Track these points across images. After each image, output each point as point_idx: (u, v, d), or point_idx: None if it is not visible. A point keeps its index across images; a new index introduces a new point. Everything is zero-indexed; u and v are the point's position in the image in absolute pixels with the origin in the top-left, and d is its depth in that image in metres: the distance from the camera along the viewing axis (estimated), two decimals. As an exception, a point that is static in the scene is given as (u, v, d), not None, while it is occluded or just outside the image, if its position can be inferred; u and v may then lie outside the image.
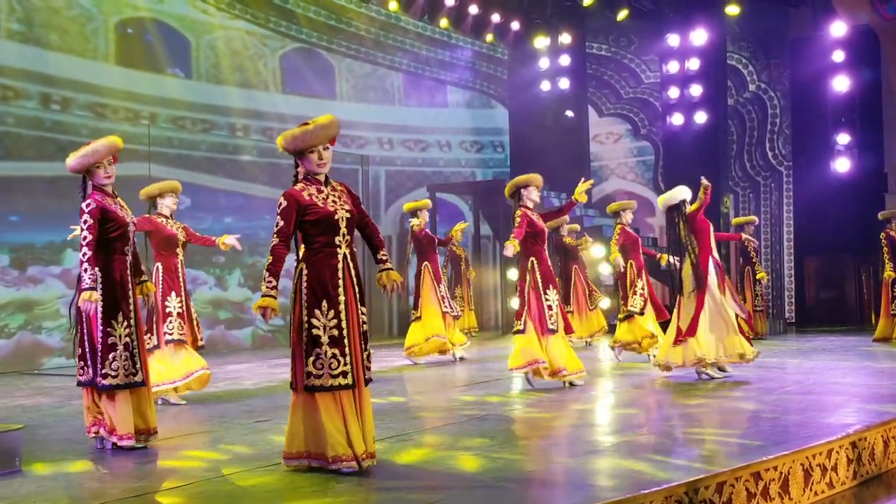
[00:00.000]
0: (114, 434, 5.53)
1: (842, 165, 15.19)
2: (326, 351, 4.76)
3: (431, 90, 17.15)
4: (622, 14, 16.04)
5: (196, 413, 7.27)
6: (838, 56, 15.13)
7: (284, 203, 4.86)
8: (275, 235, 4.87)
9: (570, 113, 17.41)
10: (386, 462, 5.01)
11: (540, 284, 7.96)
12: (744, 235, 12.02)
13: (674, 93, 15.96)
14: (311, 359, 4.77)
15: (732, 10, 15.26)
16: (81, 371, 5.63)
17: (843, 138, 15.25)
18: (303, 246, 5.02)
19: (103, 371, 5.50)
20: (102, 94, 12.24)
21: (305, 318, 4.80)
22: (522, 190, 8.07)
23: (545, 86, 17.44)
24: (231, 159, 13.67)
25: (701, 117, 15.55)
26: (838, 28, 15.03)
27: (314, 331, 4.78)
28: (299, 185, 4.96)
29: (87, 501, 4.33)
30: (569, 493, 4.40)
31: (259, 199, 13.28)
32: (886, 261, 12.03)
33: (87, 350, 5.59)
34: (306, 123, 4.95)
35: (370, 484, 4.58)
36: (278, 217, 4.85)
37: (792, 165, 16.43)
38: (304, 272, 4.86)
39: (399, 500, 4.29)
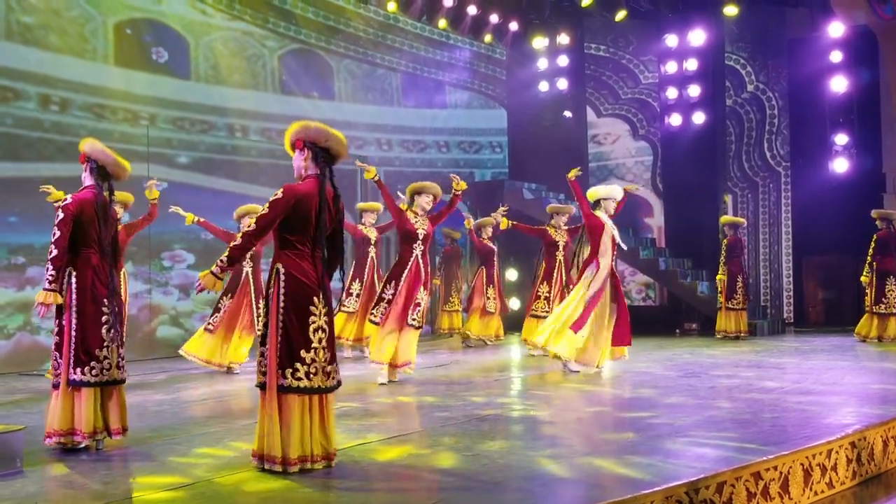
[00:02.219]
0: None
1: (840, 166, 15.21)
2: None
3: (430, 91, 17.15)
4: (620, 15, 16.06)
5: (196, 412, 7.28)
6: (836, 56, 15.15)
7: None
8: None
9: (568, 113, 17.43)
10: (385, 462, 5.02)
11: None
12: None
13: (672, 93, 15.98)
14: None
15: (730, 10, 15.28)
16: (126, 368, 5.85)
17: (841, 139, 15.26)
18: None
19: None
20: (101, 95, 12.22)
21: None
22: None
23: (543, 86, 17.46)
24: (230, 160, 13.66)
25: (699, 118, 15.57)
26: (836, 28, 15.04)
27: None
28: None
29: (88, 502, 4.34)
30: (570, 492, 4.40)
31: (258, 199, 13.21)
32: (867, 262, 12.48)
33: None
34: None
35: (371, 485, 4.59)
36: None
37: (790, 166, 16.45)
38: None
39: (399, 500, 4.29)
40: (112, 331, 5.72)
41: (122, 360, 5.79)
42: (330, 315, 5.05)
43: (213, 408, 7.61)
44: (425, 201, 8.75)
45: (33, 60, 11.55)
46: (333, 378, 5.01)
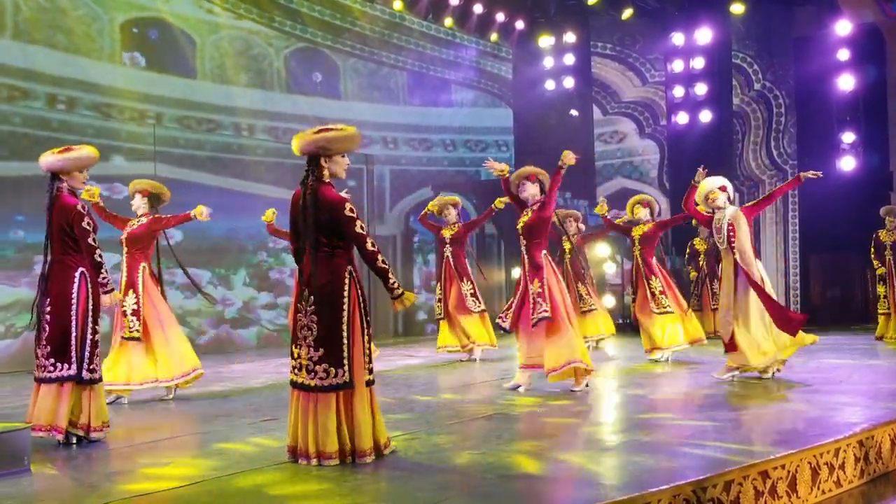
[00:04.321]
0: (91, 429, 5.83)
1: (847, 164, 15.16)
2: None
3: (436, 89, 17.14)
4: (627, 13, 16.03)
5: (202, 412, 7.29)
6: (843, 55, 15.09)
7: (354, 207, 5.07)
8: (371, 238, 5.08)
9: (574, 112, 17.40)
10: (393, 461, 5.02)
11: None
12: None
13: (679, 92, 15.95)
14: (371, 355, 5.12)
15: (737, 8, 15.24)
16: (62, 366, 5.77)
17: (848, 137, 15.21)
18: (341, 251, 5.08)
19: (91, 366, 5.84)
20: (108, 94, 12.25)
21: (360, 318, 5.06)
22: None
23: (550, 85, 17.43)
24: (236, 159, 13.68)
25: (706, 116, 15.53)
26: (843, 27, 14.99)
27: (369, 330, 5.11)
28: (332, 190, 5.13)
29: (95, 500, 4.34)
30: (577, 491, 4.40)
31: (264, 198, 13.27)
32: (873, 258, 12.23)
33: (72, 345, 5.79)
34: (334, 128, 5.15)
35: (378, 484, 4.59)
36: (360, 221, 5.04)
37: (797, 164, 16.39)
38: (354, 275, 5.08)
39: (407, 498, 4.29)
40: (37, 330, 5.90)
41: (39, 358, 5.86)
42: (319, 314, 4.99)
43: (221, 406, 7.61)
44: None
45: (40, 59, 11.58)
46: (322, 379, 4.95)
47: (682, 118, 15.86)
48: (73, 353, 5.78)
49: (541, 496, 4.29)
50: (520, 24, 16.99)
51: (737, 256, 8.03)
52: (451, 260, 10.73)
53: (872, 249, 12.32)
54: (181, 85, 13.18)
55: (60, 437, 5.72)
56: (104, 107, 12.20)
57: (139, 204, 8.15)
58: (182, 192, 12.75)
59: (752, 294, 7.94)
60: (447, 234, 10.83)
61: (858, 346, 11.41)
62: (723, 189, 8.40)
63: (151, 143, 12.44)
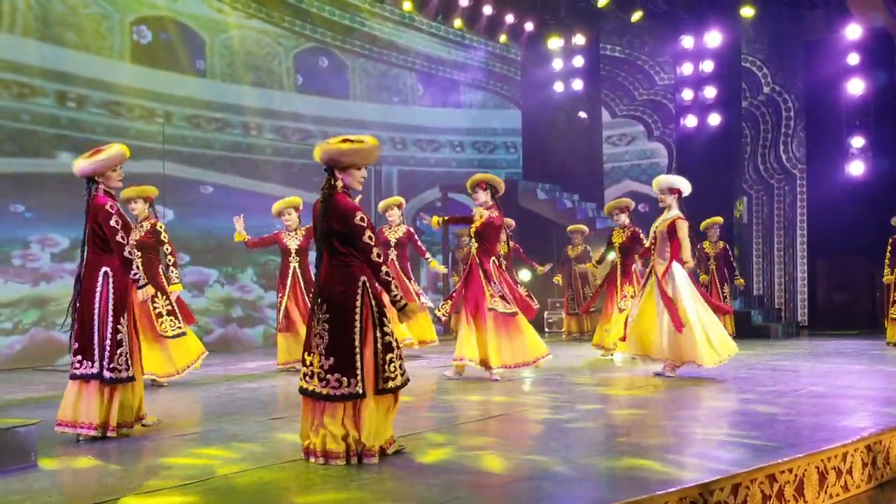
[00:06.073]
0: (109, 428, 5.83)
1: (856, 168, 15.12)
2: (397, 356, 5.05)
3: (445, 90, 17.16)
4: (636, 15, 16.03)
5: (209, 410, 7.30)
6: (853, 59, 15.06)
7: (366, 217, 5.04)
8: (377, 249, 5.02)
9: (583, 114, 17.40)
10: (399, 461, 5.02)
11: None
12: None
13: (688, 95, 15.92)
14: (389, 363, 5.00)
15: (747, 12, 15.22)
16: (86, 363, 5.78)
17: (857, 141, 15.17)
18: (357, 261, 5.03)
19: (112, 365, 5.78)
20: (118, 92, 12.29)
21: (373, 328, 4.99)
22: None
23: (558, 87, 17.44)
24: (245, 158, 13.70)
25: (715, 119, 15.51)
26: (853, 31, 14.96)
27: (387, 338, 5.02)
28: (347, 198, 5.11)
29: (101, 497, 4.34)
30: (583, 492, 4.39)
31: (272, 197, 13.30)
32: (886, 265, 12.10)
33: (94, 343, 5.78)
34: (352, 140, 5.11)
35: (384, 483, 4.58)
36: (370, 231, 4.99)
37: (806, 168, 16.36)
38: (368, 284, 5.03)
39: (412, 499, 4.29)
40: (71, 329, 5.94)
41: (73, 355, 5.87)
42: (331, 323, 4.97)
43: (227, 404, 7.62)
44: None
45: (50, 57, 11.62)
46: (334, 388, 4.92)
47: (690, 121, 15.84)
48: (95, 352, 5.78)
49: (547, 497, 4.28)
50: (529, 26, 16.99)
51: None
52: (395, 262, 10.85)
53: (889, 253, 12.14)
54: (190, 84, 13.21)
55: (92, 433, 5.73)
56: (113, 105, 12.24)
57: (142, 209, 8.60)
58: (189, 191, 12.83)
59: None
60: (391, 236, 10.94)
61: (866, 351, 11.39)
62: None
63: (160, 142, 12.48)
